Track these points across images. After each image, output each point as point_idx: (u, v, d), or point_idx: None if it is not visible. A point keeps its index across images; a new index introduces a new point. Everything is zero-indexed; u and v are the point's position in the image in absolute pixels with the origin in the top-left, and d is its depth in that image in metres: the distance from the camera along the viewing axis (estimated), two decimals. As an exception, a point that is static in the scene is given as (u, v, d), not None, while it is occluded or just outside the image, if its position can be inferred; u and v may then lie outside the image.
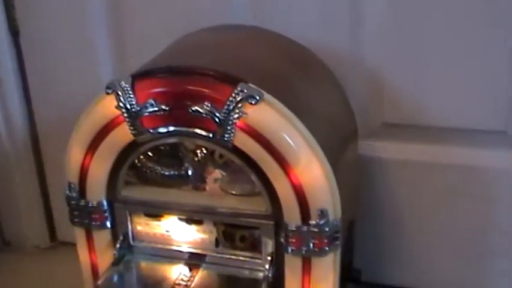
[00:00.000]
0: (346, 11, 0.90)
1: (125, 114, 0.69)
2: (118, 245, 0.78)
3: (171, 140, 0.71)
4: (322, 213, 0.69)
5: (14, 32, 1.08)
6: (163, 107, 0.68)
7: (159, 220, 0.79)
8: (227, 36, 0.87)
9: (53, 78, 1.09)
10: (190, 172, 0.78)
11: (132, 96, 0.68)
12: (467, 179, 0.92)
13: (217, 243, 0.78)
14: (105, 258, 0.80)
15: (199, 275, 0.78)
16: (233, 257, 0.78)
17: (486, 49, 0.87)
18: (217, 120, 0.66)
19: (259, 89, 0.66)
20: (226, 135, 0.67)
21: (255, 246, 0.76)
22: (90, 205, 0.77)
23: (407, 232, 0.99)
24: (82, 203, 0.77)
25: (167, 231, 0.80)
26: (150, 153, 0.77)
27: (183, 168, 0.78)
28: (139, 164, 0.78)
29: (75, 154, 0.75)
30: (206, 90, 0.67)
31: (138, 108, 0.68)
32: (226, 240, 0.78)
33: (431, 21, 0.88)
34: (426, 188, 0.95)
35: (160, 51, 0.83)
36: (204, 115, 0.66)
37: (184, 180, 0.78)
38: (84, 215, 0.78)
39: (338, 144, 0.82)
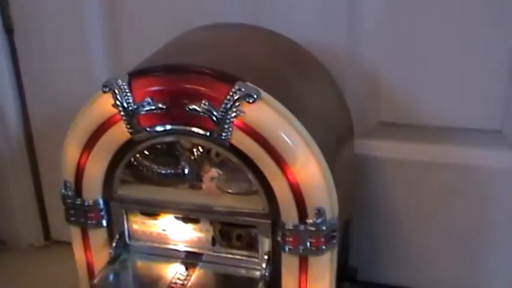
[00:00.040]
0: (343, 9, 0.90)
1: (122, 113, 0.69)
2: (114, 244, 0.78)
3: (168, 139, 0.71)
4: (319, 212, 0.68)
5: (9, 29, 1.08)
6: (160, 105, 0.67)
7: (156, 219, 0.79)
8: (224, 35, 0.87)
9: (47, 76, 1.08)
10: (186, 171, 0.78)
11: (129, 94, 0.68)
12: (464, 178, 0.93)
13: (213, 242, 0.78)
14: (101, 257, 0.79)
15: (196, 274, 0.78)
16: (230, 255, 0.77)
17: (483, 49, 0.87)
18: (214, 118, 0.66)
19: (256, 88, 0.66)
20: (223, 134, 0.67)
21: (251, 245, 0.76)
22: (86, 204, 0.77)
23: (403, 231, 0.99)
24: (78, 201, 0.77)
25: (163, 230, 0.79)
26: (146, 152, 0.77)
27: (179, 166, 0.78)
28: (135, 163, 0.78)
29: (71, 152, 0.75)
30: (203, 89, 0.67)
31: (135, 107, 0.68)
32: (222, 239, 0.78)
33: (429, 20, 0.88)
34: (422, 187, 0.95)
35: (157, 49, 0.82)
36: (201, 114, 0.66)
37: (181, 178, 0.78)
38: (80, 214, 0.78)
39: (334, 142, 0.82)
